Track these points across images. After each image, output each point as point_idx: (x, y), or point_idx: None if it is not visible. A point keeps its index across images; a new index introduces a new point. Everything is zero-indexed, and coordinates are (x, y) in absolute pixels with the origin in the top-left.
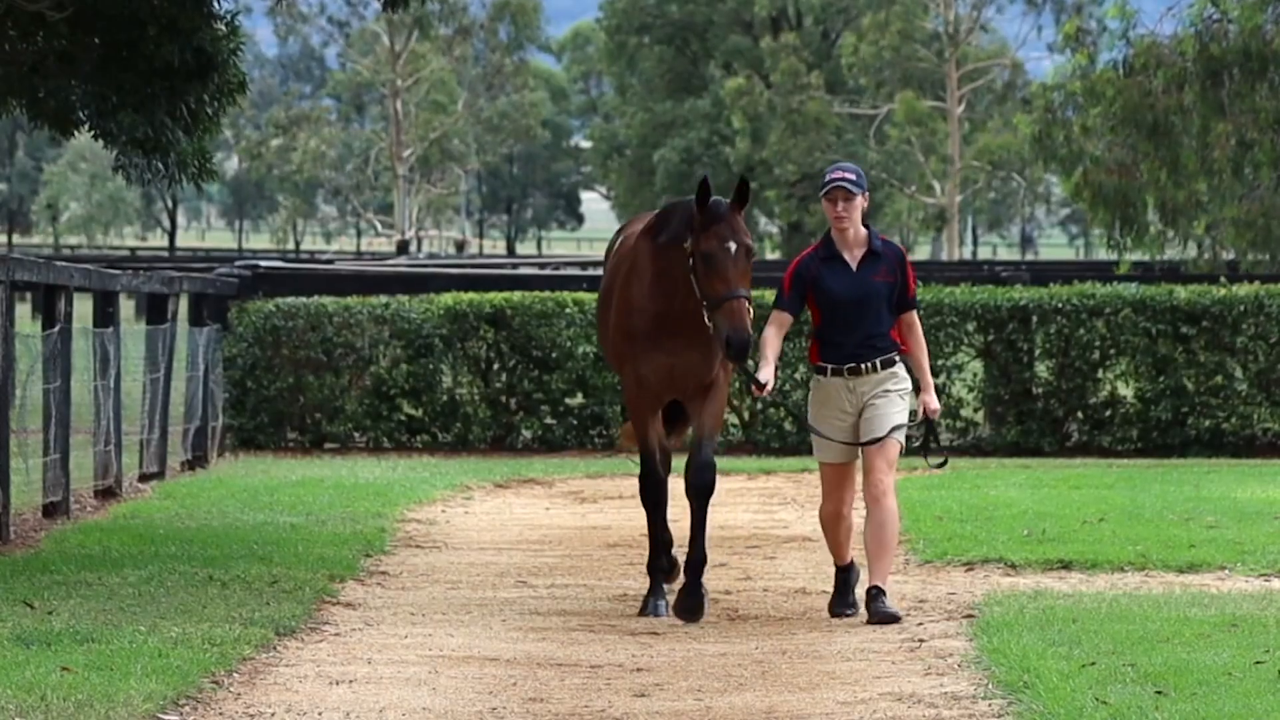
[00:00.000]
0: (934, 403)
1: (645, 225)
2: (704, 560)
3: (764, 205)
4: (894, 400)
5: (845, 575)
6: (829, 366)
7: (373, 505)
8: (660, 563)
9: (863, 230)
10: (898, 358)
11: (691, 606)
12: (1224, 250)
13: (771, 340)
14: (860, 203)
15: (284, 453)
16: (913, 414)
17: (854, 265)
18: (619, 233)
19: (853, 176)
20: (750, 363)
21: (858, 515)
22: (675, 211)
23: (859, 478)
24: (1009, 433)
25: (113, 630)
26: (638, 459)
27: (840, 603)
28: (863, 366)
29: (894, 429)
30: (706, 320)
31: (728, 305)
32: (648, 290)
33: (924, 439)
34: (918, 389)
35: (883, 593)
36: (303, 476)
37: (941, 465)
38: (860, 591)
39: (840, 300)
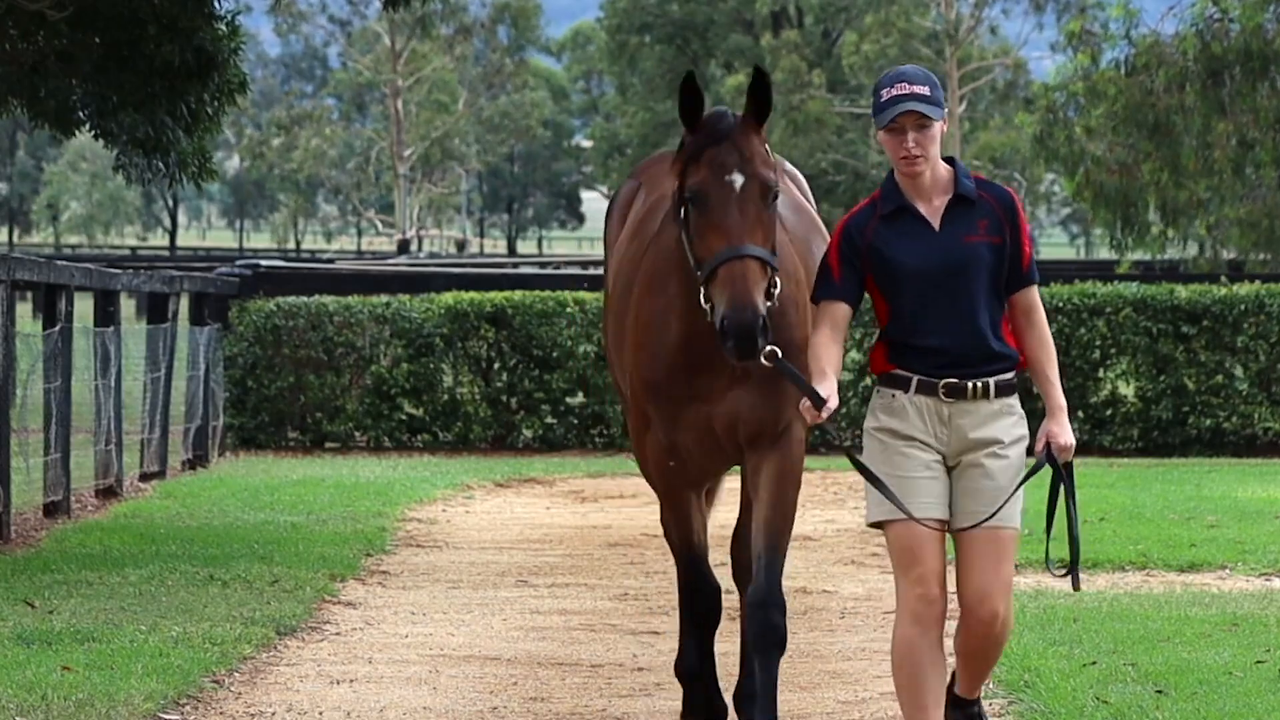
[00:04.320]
0: (1065, 436)
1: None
2: None
3: None
4: (1012, 465)
5: None
6: (914, 378)
7: (373, 504)
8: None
9: (944, 168)
10: (1015, 378)
11: None
12: (1225, 250)
13: (826, 347)
14: (940, 130)
15: (284, 452)
16: (1028, 448)
17: (935, 221)
18: (633, 184)
19: (925, 90)
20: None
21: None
22: None
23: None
24: None
25: (113, 629)
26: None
27: None
28: (970, 386)
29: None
30: (701, 301)
31: (724, 270)
32: (667, 304)
33: (1048, 509)
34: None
35: (977, 709)
36: (303, 476)
37: (1069, 572)
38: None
39: (919, 276)
